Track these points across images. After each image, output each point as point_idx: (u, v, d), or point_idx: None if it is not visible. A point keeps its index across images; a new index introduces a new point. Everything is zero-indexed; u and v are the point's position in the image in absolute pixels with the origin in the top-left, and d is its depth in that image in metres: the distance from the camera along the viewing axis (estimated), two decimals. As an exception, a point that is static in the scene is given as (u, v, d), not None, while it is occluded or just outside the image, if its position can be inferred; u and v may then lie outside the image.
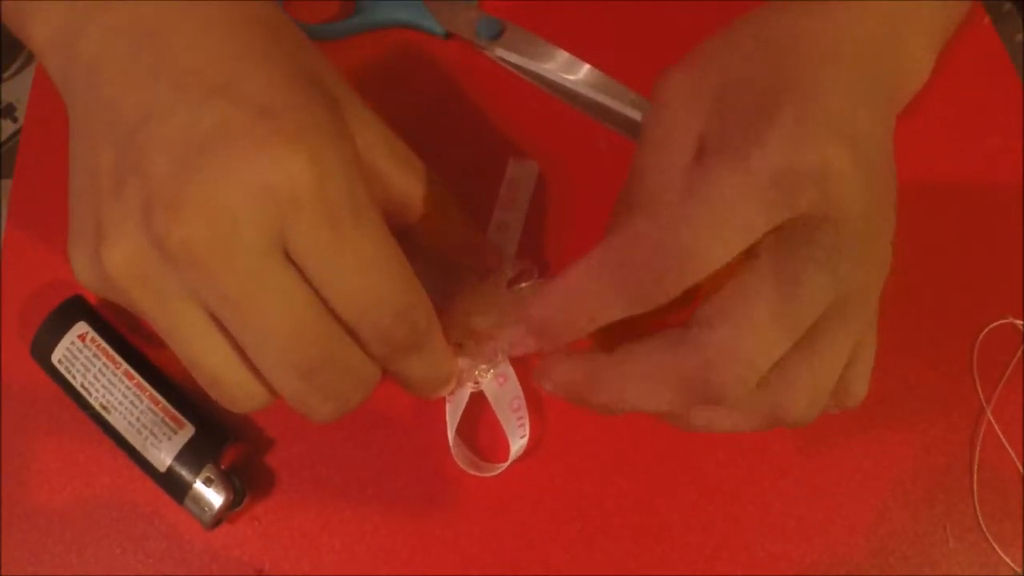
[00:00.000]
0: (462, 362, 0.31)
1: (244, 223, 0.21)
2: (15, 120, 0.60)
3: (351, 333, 0.24)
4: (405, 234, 0.28)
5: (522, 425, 0.34)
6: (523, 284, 0.34)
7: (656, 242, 0.22)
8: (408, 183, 0.28)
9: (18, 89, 0.59)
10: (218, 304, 0.22)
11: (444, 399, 0.35)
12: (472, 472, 0.35)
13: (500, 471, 0.35)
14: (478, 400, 0.35)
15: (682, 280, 0.22)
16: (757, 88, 0.24)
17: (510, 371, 0.34)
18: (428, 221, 0.29)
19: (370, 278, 0.23)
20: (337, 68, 0.27)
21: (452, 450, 0.34)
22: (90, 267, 0.23)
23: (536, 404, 0.37)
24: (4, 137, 0.60)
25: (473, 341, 0.30)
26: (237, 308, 0.21)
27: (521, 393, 0.34)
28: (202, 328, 0.22)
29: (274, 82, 0.23)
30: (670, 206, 0.22)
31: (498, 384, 0.33)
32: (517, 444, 0.34)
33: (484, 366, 0.32)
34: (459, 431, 0.35)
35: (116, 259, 0.22)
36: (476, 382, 0.33)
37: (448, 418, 0.34)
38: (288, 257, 0.22)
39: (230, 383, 0.23)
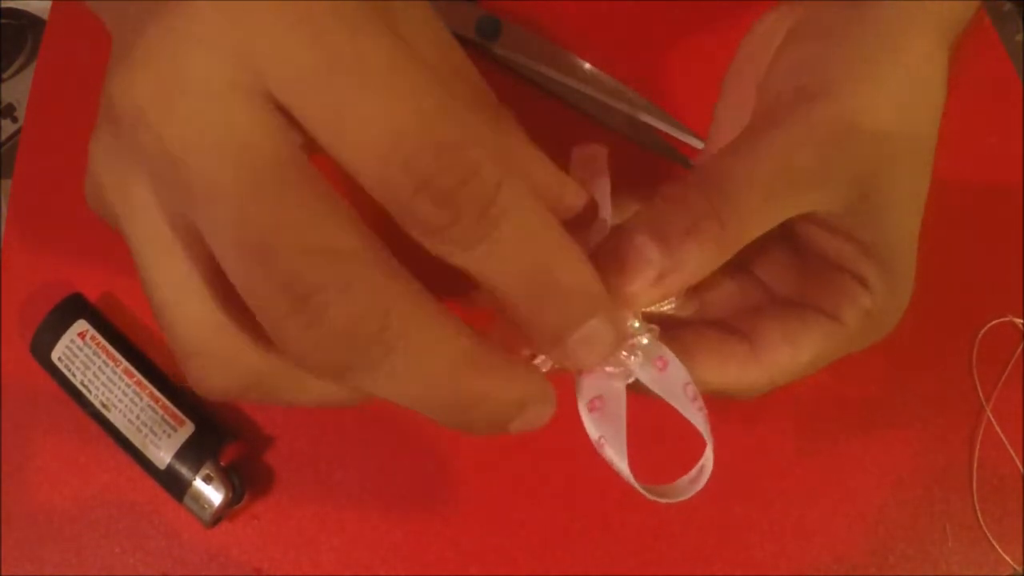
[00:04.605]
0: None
1: (192, 57, 0.16)
2: (15, 120, 0.60)
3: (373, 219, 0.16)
4: None
5: (707, 417, 0.24)
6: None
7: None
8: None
9: (18, 89, 0.59)
10: (161, 172, 0.16)
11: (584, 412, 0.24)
12: (664, 500, 0.25)
13: (700, 485, 0.25)
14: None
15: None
16: (823, 34, 0.25)
17: (666, 351, 0.23)
18: None
19: (384, 96, 0.15)
20: None
21: (632, 483, 0.23)
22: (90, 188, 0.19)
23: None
24: (4, 137, 0.60)
25: None
26: (176, 167, 0.16)
27: (691, 378, 0.24)
28: (153, 222, 0.17)
29: None
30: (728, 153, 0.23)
31: (658, 370, 0.23)
32: (710, 440, 0.24)
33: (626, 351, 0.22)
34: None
35: (92, 151, 0.18)
36: (625, 369, 0.23)
37: (607, 441, 0.24)
38: (275, 106, 0.16)
39: (185, 318, 0.17)
